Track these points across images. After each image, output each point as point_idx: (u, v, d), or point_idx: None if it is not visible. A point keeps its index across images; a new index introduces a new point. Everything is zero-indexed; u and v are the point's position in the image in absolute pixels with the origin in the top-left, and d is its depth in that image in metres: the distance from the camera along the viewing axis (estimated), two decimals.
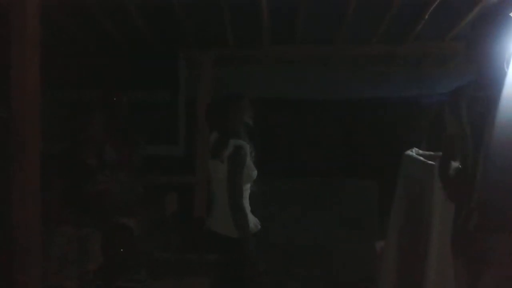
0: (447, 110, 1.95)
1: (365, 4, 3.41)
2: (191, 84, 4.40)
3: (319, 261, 3.97)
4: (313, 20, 3.71)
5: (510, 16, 1.78)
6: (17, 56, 2.31)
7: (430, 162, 2.51)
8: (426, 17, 3.49)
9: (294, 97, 5.11)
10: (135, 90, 4.36)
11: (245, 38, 4.12)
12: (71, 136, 3.86)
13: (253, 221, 2.43)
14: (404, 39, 3.99)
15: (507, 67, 1.76)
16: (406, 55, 4.52)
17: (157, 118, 4.35)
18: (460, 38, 3.78)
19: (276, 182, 4.30)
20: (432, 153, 2.75)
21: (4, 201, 2.41)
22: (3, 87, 2.35)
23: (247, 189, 2.43)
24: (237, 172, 2.33)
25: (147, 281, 3.49)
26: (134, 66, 4.35)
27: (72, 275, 3.01)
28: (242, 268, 2.34)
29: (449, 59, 4.57)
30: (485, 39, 1.78)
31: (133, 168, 3.56)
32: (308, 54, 4.60)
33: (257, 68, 4.93)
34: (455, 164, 1.96)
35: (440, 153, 2.66)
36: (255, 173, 2.43)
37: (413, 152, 2.91)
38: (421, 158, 2.71)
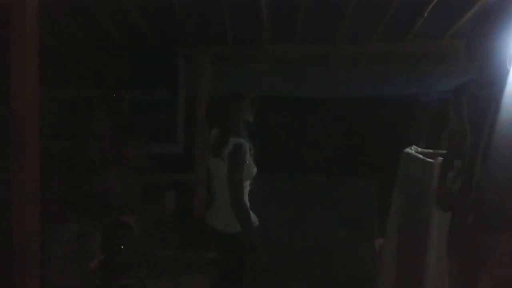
0: (450, 108, 1.94)
1: (365, 3, 3.41)
2: (191, 83, 4.40)
3: (319, 261, 3.97)
4: (313, 19, 3.71)
5: None
6: (17, 56, 2.31)
7: (429, 160, 2.51)
8: (426, 15, 3.48)
9: (294, 96, 5.11)
10: (135, 90, 4.38)
11: (245, 37, 4.12)
12: (72, 135, 3.87)
13: (252, 217, 2.44)
14: (403, 38, 3.99)
15: (510, 65, 1.75)
16: (406, 53, 4.52)
17: (157, 117, 4.36)
18: (459, 36, 3.78)
19: (276, 182, 4.30)
20: (431, 151, 2.74)
21: (3, 200, 2.41)
22: (3, 86, 2.35)
23: (246, 186, 2.44)
24: (237, 170, 2.34)
25: (146, 279, 3.50)
26: (134, 65, 4.36)
27: (72, 273, 3.01)
28: (241, 264, 2.35)
29: (448, 57, 4.57)
30: (487, 36, 1.77)
31: (134, 166, 3.56)
32: (308, 53, 4.60)
33: (257, 67, 4.92)
34: (457, 163, 1.96)
35: (439, 151, 2.67)
36: (254, 170, 2.45)
37: (412, 150, 2.90)
38: (420, 156, 2.70)
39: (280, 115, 5.33)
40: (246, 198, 2.44)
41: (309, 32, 3.96)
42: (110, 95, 3.64)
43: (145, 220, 3.67)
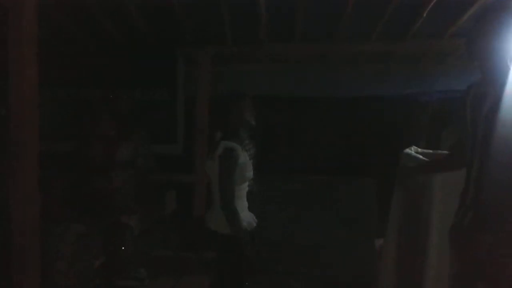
0: (461, 107, 1.93)
1: (364, 2, 3.41)
2: (190, 83, 4.41)
3: (319, 260, 3.96)
4: (312, 19, 3.71)
5: None
6: (16, 55, 2.31)
7: (429, 160, 2.50)
8: (425, 14, 3.48)
9: (294, 96, 5.11)
10: (134, 89, 4.38)
11: (244, 37, 4.13)
12: (72, 135, 3.87)
13: (249, 218, 2.43)
14: (403, 37, 3.99)
15: (510, 64, 1.75)
16: (406, 53, 4.52)
17: (156, 117, 4.36)
18: (459, 35, 3.78)
19: (276, 182, 4.29)
20: (431, 151, 2.73)
21: (3, 200, 2.41)
22: (3, 86, 2.35)
23: (243, 188, 2.43)
24: (226, 173, 2.32)
25: (146, 279, 3.51)
26: (133, 65, 4.36)
27: (73, 273, 3.01)
28: (240, 265, 2.34)
29: (448, 56, 4.57)
30: (489, 35, 1.75)
31: (134, 167, 3.56)
32: (307, 53, 4.61)
33: (256, 66, 4.93)
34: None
35: (439, 151, 2.67)
36: (250, 174, 2.42)
37: (411, 150, 2.89)
38: (420, 156, 2.69)
39: (280, 115, 5.33)
40: (242, 200, 2.42)
41: (308, 32, 3.97)
42: (111, 96, 3.64)
43: (145, 220, 3.67)
